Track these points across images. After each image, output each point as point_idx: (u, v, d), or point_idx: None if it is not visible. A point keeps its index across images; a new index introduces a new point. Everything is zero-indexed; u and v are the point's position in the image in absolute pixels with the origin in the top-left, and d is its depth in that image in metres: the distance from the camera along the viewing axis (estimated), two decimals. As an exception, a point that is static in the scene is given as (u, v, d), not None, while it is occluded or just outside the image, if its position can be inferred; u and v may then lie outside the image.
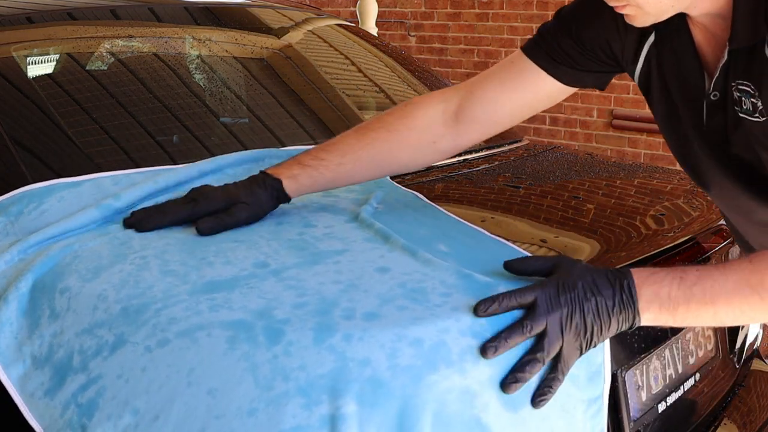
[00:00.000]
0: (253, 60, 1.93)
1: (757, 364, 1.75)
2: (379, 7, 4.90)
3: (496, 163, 1.77)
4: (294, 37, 2.10)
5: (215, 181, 1.31)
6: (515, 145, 1.94)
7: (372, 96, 2.06)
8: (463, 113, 1.29)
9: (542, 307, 0.94)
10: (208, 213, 1.21)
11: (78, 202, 1.25)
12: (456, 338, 0.93)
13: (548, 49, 1.24)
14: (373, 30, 4.66)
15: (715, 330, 1.55)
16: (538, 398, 0.95)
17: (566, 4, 5.07)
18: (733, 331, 1.62)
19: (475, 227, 1.26)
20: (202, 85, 1.77)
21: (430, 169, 1.60)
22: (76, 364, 1.02)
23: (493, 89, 1.27)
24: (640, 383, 1.28)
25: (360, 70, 2.12)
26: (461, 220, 1.29)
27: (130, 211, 1.24)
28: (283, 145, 1.60)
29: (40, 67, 1.59)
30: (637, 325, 0.98)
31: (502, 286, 1.00)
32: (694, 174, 1.23)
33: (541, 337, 0.94)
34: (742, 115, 1.08)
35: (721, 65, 1.09)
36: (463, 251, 1.14)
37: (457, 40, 5.58)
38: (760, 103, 1.05)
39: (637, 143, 4.90)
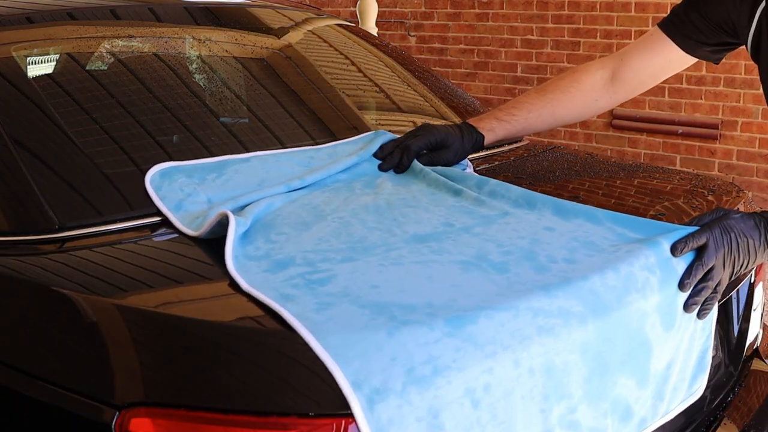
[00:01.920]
0: (253, 60, 1.93)
1: (757, 364, 1.75)
2: (379, 7, 4.90)
3: (497, 163, 1.77)
4: (294, 37, 2.10)
5: (370, 164, 1.53)
6: (515, 145, 1.94)
7: (372, 96, 2.05)
8: (617, 77, 1.64)
9: (712, 248, 1.22)
10: (429, 147, 1.55)
11: (253, 173, 1.43)
12: (639, 271, 1.16)
13: (678, 23, 1.56)
14: (373, 30, 4.66)
15: (715, 329, 1.55)
16: (702, 312, 1.24)
17: (567, 4, 5.01)
18: (734, 331, 1.62)
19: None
20: (202, 85, 1.77)
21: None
22: (300, 261, 1.10)
23: (637, 57, 1.63)
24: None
25: (360, 70, 2.12)
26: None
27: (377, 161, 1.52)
28: (284, 145, 1.60)
29: (40, 67, 1.59)
30: None
31: (652, 238, 1.22)
32: None
33: (710, 270, 1.22)
34: None
35: None
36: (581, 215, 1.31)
37: (457, 40, 5.58)
38: None
39: (637, 143, 4.90)
